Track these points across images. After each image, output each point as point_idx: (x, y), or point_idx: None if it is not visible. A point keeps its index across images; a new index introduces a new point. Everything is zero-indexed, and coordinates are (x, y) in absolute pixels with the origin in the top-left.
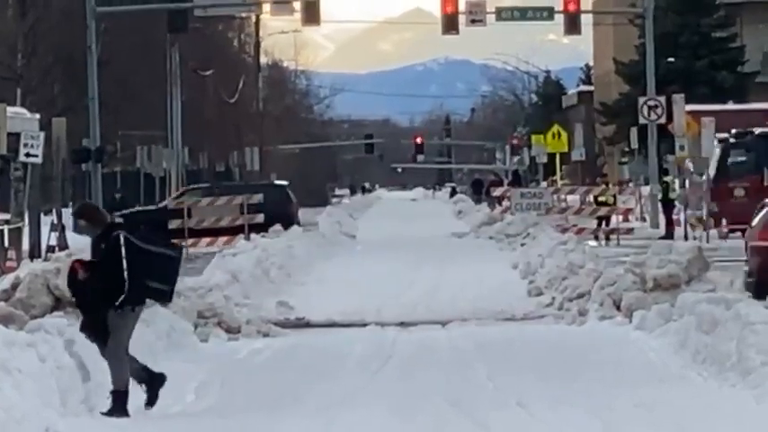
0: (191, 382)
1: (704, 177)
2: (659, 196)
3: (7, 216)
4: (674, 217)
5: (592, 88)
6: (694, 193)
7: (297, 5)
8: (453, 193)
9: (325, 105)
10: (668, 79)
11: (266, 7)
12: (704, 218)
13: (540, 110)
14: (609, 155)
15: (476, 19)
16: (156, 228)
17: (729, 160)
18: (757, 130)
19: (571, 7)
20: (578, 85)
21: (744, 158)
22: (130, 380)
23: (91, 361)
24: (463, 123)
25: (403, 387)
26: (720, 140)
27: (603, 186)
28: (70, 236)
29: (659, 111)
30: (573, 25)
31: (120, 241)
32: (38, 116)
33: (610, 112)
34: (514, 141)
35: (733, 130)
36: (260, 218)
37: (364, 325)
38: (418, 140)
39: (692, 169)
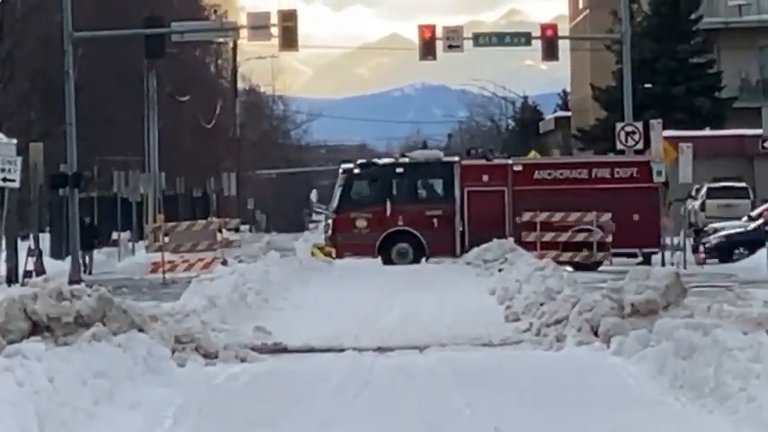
0: (168, 407)
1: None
2: None
3: None
4: None
5: (569, 114)
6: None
7: (274, 31)
8: None
9: (302, 130)
10: (645, 105)
11: (243, 32)
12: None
13: (518, 135)
14: None
15: (453, 44)
16: None
17: (353, 191)
18: (381, 161)
19: (548, 33)
20: (555, 111)
21: (367, 189)
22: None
23: (69, 386)
24: (440, 149)
25: (380, 412)
26: (344, 171)
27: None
28: (47, 261)
29: (636, 136)
30: (550, 51)
31: None
32: (15, 141)
33: (587, 137)
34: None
35: (358, 161)
36: (236, 243)
37: (342, 350)
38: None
39: None
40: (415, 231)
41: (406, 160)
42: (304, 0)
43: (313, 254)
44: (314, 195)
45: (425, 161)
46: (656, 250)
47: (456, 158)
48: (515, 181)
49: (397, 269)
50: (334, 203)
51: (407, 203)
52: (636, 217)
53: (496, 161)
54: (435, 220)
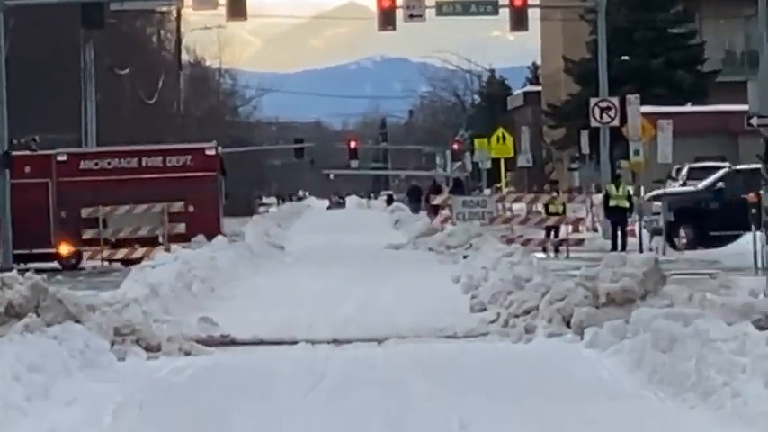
0: (107, 403)
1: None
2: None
3: None
4: (628, 228)
5: (539, 89)
6: None
7: None
8: (390, 201)
9: (251, 107)
10: (622, 79)
11: (188, 1)
12: None
13: (484, 112)
14: (558, 160)
15: (414, 14)
16: None
17: None
18: None
19: (517, 1)
20: (525, 86)
21: None
22: None
23: (0, 380)
24: (400, 126)
25: (337, 407)
26: None
27: (554, 194)
28: None
29: (612, 113)
30: (519, 21)
31: None
32: None
33: (559, 114)
34: (455, 146)
35: None
36: (182, 227)
37: (294, 342)
38: (352, 144)
39: None
40: None
41: None
42: None
43: None
44: None
45: None
46: None
47: None
48: (60, 173)
49: (353, 257)
50: None
51: None
52: (191, 208)
53: (41, 152)
54: None
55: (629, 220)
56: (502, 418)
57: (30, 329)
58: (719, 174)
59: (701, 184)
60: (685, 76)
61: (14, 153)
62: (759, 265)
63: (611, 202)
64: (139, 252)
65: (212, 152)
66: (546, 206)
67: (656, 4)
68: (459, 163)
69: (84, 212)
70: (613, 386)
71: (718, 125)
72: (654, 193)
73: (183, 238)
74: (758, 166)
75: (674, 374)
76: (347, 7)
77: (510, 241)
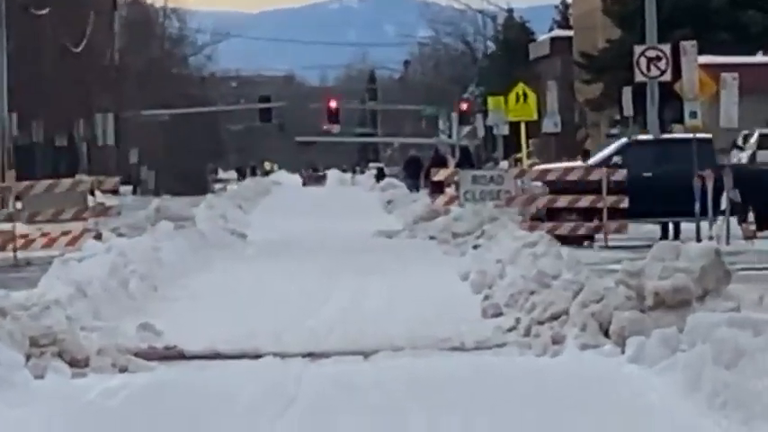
0: None
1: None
2: None
3: None
4: None
5: (570, 33)
6: None
7: None
8: (380, 176)
9: (204, 57)
10: (675, 21)
11: None
12: None
13: (500, 63)
14: (593, 125)
15: None
16: None
17: None
18: None
19: None
20: (552, 29)
21: None
22: None
23: None
24: (394, 81)
25: None
26: None
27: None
28: None
29: (663, 64)
30: None
31: None
32: None
33: (595, 66)
34: (464, 106)
35: None
36: (115, 210)
37: (258, 356)
38: (333, 105)
39: None
40: None
41: None
42: None
43: None
44: None
45: None
46: None
47: None
48: None
49: (334, 247)
50: None
51: None
52: None
53: None
54: None
55: None
56: None
57: None
58: (615, 146)
59: (593, 159)
60: (755, 17)
61: None
62: None
63: None
64: (62, 240)
65: None
66: None
67: None
68: (469, 128)
69: None
70: (664, 412)
71: None
72: (539, 167)
73: None
74: (668, 136)
75: (742, 397)
76: None
77: (533, 227)
